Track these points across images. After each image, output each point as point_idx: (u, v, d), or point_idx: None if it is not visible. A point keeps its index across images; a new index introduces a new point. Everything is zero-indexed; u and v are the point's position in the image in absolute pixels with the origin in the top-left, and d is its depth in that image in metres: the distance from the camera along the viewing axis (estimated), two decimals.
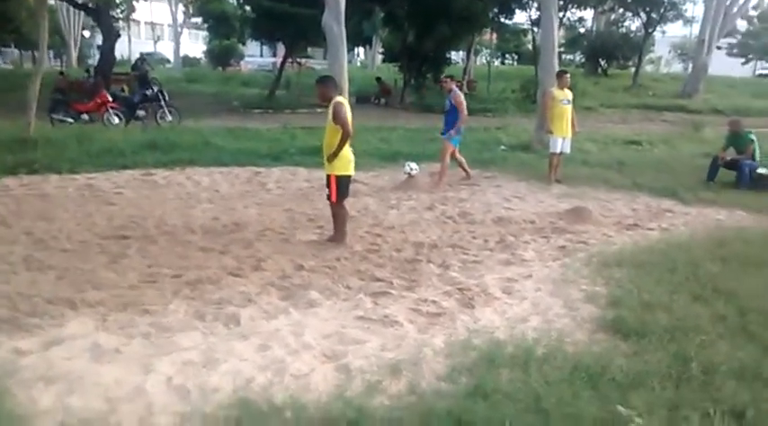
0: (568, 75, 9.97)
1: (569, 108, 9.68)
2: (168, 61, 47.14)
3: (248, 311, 4.36)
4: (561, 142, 9.68)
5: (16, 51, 37.48)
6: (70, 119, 14.94)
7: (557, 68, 12.04)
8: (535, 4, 24.45)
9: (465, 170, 9.70)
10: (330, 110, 5.91)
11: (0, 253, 5.48)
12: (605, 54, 34.16)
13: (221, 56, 41.34)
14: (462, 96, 9.31)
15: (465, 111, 9.19)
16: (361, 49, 51.37)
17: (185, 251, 5.78)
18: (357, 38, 26.21)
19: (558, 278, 5.20)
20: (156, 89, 16.07)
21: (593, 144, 13.49)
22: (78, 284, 4.77)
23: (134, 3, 28.93)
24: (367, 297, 4.68)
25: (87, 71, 24.33)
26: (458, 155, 9.56)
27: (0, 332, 3.88)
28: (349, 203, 6.30)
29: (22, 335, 3.85)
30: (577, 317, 4.36)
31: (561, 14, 24.48)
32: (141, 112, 15.82)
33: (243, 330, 4.07)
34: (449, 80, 9.59)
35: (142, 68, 20.34)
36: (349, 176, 6.13)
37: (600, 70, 34.70)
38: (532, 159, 11.45)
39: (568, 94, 9.72)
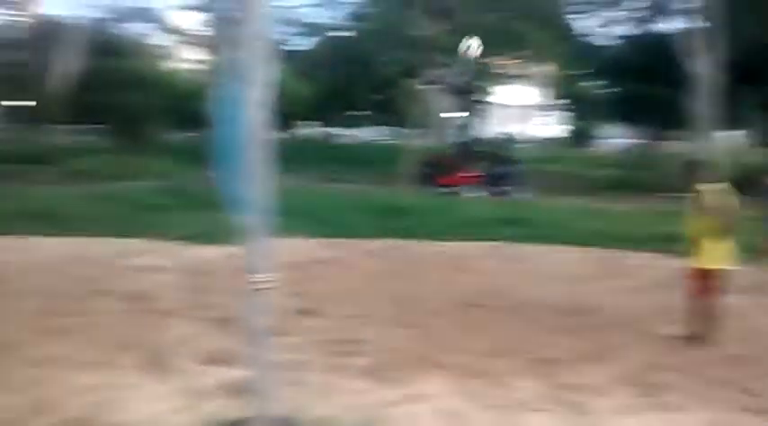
0: None
1: None
2: (526, 141, 49.03)
3: (598, 402, 4.14)
4: None
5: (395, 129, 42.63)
6: (435, 191, 16.32)
7: None
8: None
9: None
10: (698, 198, 5.50)
11: (371, 310, 6.11)
12: None
13: (580, 136, 41.66)
14: None
15: None
16: (731, 132, 47.22)
17: (536, 327, 5.79)
18: (728, 120, 24.22)
19: None
20: (514, 166, 16.77)
21: None
22: (437, 345, 5.07)
23: (494, 87, 30.96)
24: (736, 413, 4.12)
25: (451, 147, 26.45)
26: None
27: (370, 379, 4.29)
28: (717, 299, 5.70)
29: (389, 386, 4.20)
30: None
31: None
32: (500, 188, 16.60)
33: (591, 422, 3.88)
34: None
35: (502, 147, 21.47)
36: (717, 270, 5.57)
37: None
38: None
39: None
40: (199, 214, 10.63)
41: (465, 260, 8.78)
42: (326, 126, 35.80)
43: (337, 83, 28.22)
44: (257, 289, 2.90)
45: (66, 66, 21.93)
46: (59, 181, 16.30)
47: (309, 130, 35.59)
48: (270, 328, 3.02)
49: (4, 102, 30.44)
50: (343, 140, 33.42)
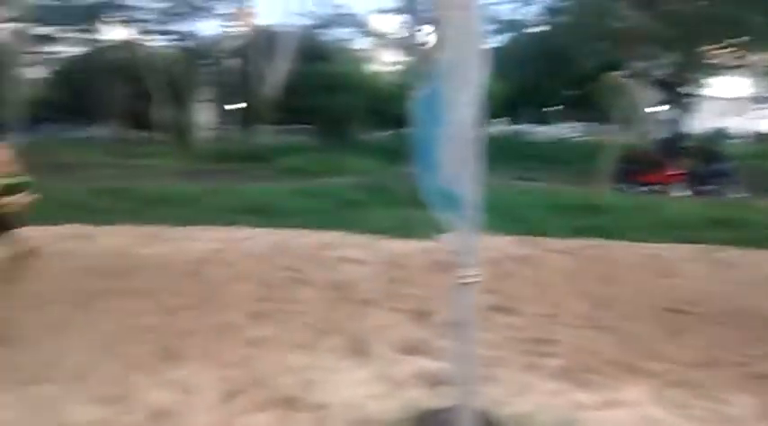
0: None
1: None
2: (739, 136, 44.84)
3: None
4: None
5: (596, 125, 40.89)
6: (635, 189, 15.53)
7: None
8: None
9: None
10: None
11: (565, 310, 5.96)
12: None
13: None
14: None
15: None
16: None
17: (749, 338, 5.30)
18: None
19: None
20: (724, 163, 15.49)
21: None
22: (636, 350, 4.83)
23: (704, 79, 28.60)
24: None
25: (655, 143, 24.95)
26: None
27: (564, 381, 4.20)
28: None
29: (583, 389, 4.08)
30: None
31: None
32: (708, 187, 15.43)
33: None
34: None
35: (711, 142, 19.91)
36: None
37: None
38: None
39: None
40: (396, 209, 11.02)
41: (668, 262, 8.26)
42: (516, 123, 35.27)
43: (529, 79, 27.78)
44: (463, 284, 2.95)
45: (277, 71, 23.74)
46: (271, 178, 17.68)
47: (500, 128, 35.36)
48: (474, 322, 3.06)
49: (226, 106, 33.61)
50: (533, 137, 32.77)
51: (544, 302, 6.14)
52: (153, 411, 3.67)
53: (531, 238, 9.40)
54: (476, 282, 2.96)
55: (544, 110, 35.22)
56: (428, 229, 9.70)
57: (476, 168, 2.88)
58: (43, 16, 34.08)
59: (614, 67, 25.11)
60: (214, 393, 3.86)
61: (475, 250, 2.96)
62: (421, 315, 5.54)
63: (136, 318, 5.48)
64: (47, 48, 38.95)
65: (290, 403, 3.68)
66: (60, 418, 3.57)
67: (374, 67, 36.05)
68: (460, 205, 2.92)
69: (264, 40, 29.96)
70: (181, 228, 9.95)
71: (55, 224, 9.33)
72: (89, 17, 34.41)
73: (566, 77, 28.29)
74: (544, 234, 9.66)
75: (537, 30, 27.37)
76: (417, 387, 3.90)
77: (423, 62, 11.29)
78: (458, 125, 2.83)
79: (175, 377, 4.13)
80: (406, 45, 22.89)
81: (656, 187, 15.63)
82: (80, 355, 4.54)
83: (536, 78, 28.27)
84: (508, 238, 9.17)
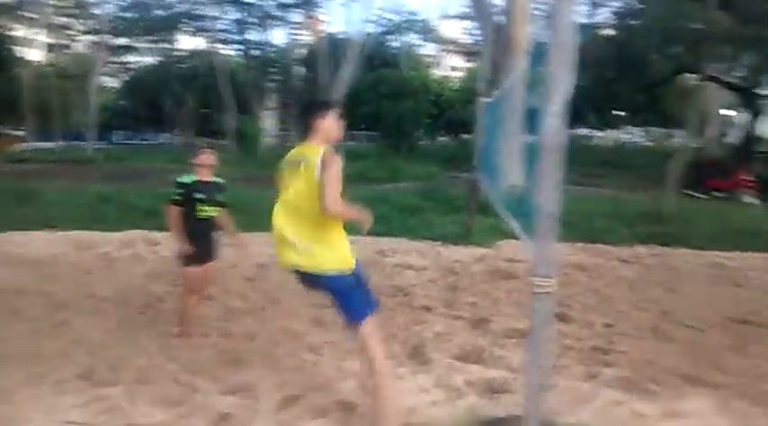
0: None
1: None
2: None
3: None
4: None
5: (661, 130, 39.81)
6: (703, 196, 15.08)
7: None
8: None
9: None
10: None
11: (626, 319, 5.83)
12: None
13: None
14: None
15: None
16: None
17: None
18: None
19: None
20: None
21: None
22: (699, 362, 4.71)
23: None
24: None
25: (725, 149, 24.17)
26: None
27: (624, 391, 4.12)
28: None
29: (645, 399, 4.01)
30: None
31: None
32: None
33: None
34: None
35: None
36: None
37: None
38: None
39: None
40: (455, 216, 11.01)
41: (737, 272, 8.03)
42: (577, 127, 34.75)
43: (597, 83, 27.23)
44: (538, 293, 2.91)
45: (342, 78, 24.00)
46: None
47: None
48: (548, 332, 3.00)
49: (291, 113, 34.24)
50: (595, 142, 32.27)
51: (604, 311, 6.06)
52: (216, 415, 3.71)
53: (592, 245, 9.28)
54: (550, 291, 2.91)
55: (608, 114, 34.47)
56: (486, 236, 9.68)
57: (558, 177, 2.81)
58: (121, 27, 35.54)
59: (687, 70, 24.43)
60: (274, 398, 3.92)
61: (552, 259, 2.90)
62: (476, 324, 5.54)
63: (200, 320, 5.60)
64: (123, 59, 40.68)
65: (349, 408, 3.74)
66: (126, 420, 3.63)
67: (438, 73, 36.14)
68: (536, 213, 2.86)
69: (331, 48, 30.37)
70: (243, 234, 10.11)
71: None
72: (166, 28, 35.68)
73: (634, 81, 27.62)
74: (606, 241, 9.53)
75: (607, 33, 26.78)
76: (476, 395, 3.90)
77: (491, 69, 11.16)
78: (545, 134, 2.77)
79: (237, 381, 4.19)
80: (472, 51, 22.85)
81: (727, 194, 15.15)
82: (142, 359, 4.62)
83: (604, 82, 27.63)
84: (567, 245, 9.04)
